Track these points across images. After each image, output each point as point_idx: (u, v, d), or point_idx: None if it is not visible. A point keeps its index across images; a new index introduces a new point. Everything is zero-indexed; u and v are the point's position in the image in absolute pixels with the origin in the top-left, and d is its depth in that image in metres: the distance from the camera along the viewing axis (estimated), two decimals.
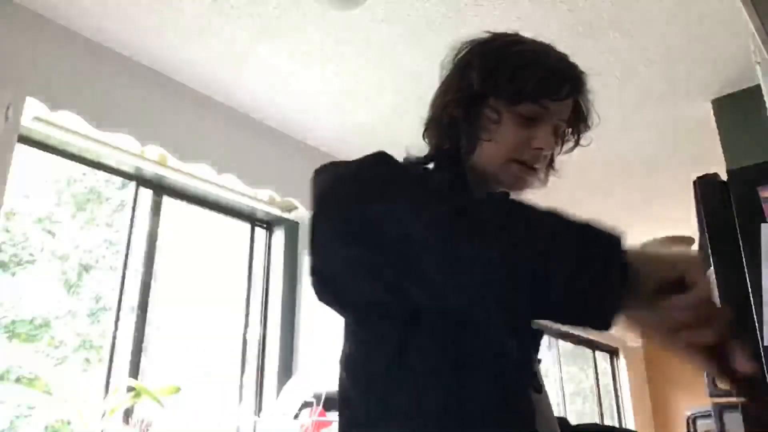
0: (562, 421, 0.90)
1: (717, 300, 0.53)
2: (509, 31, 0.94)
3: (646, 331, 0.58)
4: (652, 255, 0.58)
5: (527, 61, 0.87)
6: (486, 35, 0.93)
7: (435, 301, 0.66)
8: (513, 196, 0.94)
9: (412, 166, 0.87)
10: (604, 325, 0.54)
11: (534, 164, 0.87)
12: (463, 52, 0.94)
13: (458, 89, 0.90)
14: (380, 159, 0.71)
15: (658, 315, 0.56)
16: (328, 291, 0.74)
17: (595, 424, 1.04)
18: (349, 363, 0.80)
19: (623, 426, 5.69)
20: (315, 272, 0.72)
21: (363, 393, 0.76)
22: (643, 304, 0.56)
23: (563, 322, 0.57)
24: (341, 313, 0.81)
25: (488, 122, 0.87)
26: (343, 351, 0.81)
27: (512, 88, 0.85)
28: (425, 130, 0.96)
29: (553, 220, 0.59)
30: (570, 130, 0.94)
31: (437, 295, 0.63)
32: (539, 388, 0.82)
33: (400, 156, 0.91)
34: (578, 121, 0.94)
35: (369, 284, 0.68)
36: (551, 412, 0.86)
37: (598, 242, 0.58)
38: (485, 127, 0.87)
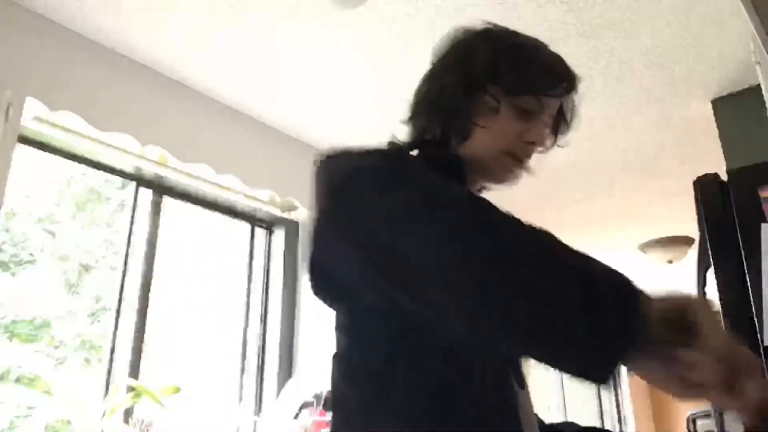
0: (537, 419, 0.91)
1: (743, 354, 0.49)
2: (503, 25, 0.94)
3: (657, 386, 0.53)
4: (661, 301, 0.52)
5: (529, 55, 0.88)
6: (484, 25, 0.94)
7: (434, 319, 0.63)
8: (496, 187, 0.94)
9: (407, 157, 0.84)
10: (602, 377, 0.51)
11: (524, 157, 0.88)
12: (462, 39, 0.94)
13: (459, 73, 0.89)
14: (396, 156, 0.69)
15: (665, 370, 0.51)
16: (324, 287, 0.73)
17: (572, 423, 1.03)
18: (343, 361, 0.80)
19: (623, 427, 5.69)
20: (314, 266, 0.70)
21: (356, 391, 0.76)
22: (649, 355, 0.51)
23: (558, 367, 0.55)
24: (336, 310, 0.81)
25: (486, 110, 0.86)
26: (338, 347, 0.81)
27: (515, 79, 0.85)
28: (411, 115, 0.95)
29: (571, 258, 0.56)
30: (552, 129, 0.93)
31: (438, 314, 0.61)
32: (523, 384, 0.83)
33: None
34: (561, 121, 0.94)
35: (367, 290, 0.66)
36: (532, 408, 0.86)
37: (615, 289, 0.53)
38: (483, 114, 0.86)
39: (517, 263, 0.55)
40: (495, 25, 0.94)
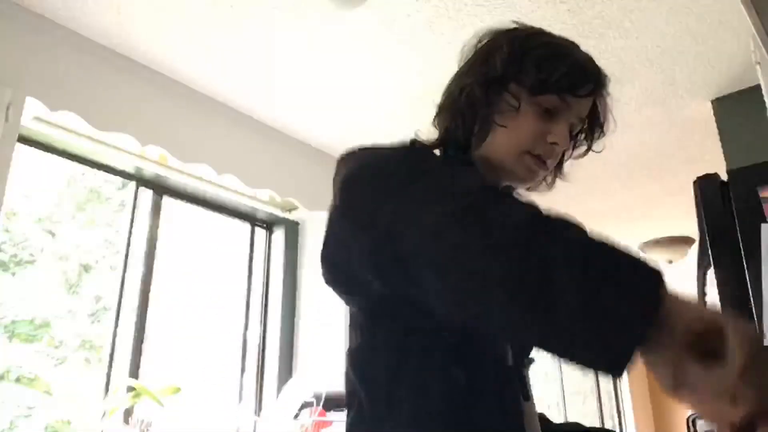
0: (542, 418, 0.90)
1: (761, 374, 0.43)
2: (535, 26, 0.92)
3: (664, 387, 0.48)
4: (690, 303, 0.47)
5: (554, 53, 0.85)
6: (512, 24, 0.92)
7: (440, 311, 0.60)
8: (519, 189, 0.94)
9: (426, 154, 0.80)
10: (616, 367, 0.46)
11: (547, 159, 0.85)
12: (488, 39, 0.92)
13: (480, 72, 0.88)
14: (408, 152, 0.68)
15: (679, 378, 0.46)
16: (336, 279, 0.73)
17: (576, 423, 1.01)
18: (357, 358, 0.79)
19: (623, 427, 5.69)
20: (325, 258, 0.70)
21: (367, 391, 0.76)
22: (664, 356, 0.47)
23: (570, 358, 0.50)
24: (348, 303, 0.80)
25: (507, 108, 0.84)
26: (351, 344, 0.81)
27: (537, 77, 0.83)
28: (437, 115, 0.93)
29: (585, 239, 0.51)
30: (584, 133, 0.92)
31: (442, 305, 0.58)
32: (527, 395, 0.82)
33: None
34: (594, 124, 0.92)
35: (376, 282, 0.65)
36: (536, 419, 0.85)
37: (634, 271, 0.47)
38: (503, 112, 0.85)
39: (516, 244, 0.51)
40: (521, 24, 0.92)
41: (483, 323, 0.57)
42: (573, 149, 0.93)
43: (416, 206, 0.58)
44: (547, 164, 0.86)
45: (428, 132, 0.95)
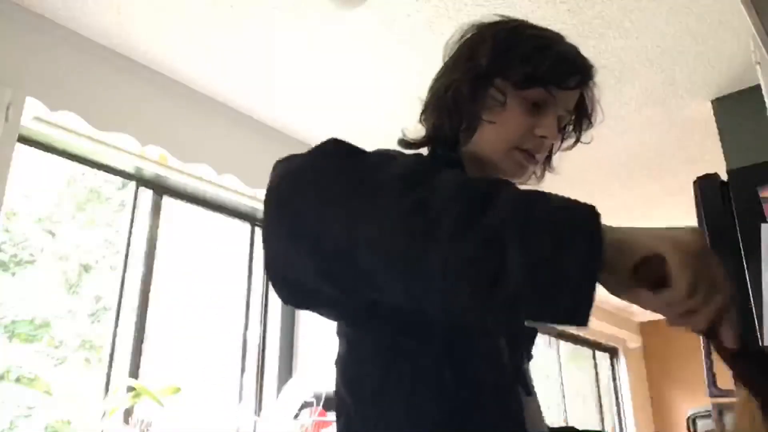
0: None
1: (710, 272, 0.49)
2: (519, 17, 0.92)
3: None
4: (629, 235, 0.51)
5: (540, 46, 0.84)
6: (497, 17, 0.91)
7: (388, 300, 0.60)
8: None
9: (383, 153, 0.73)
10: (581, 320, 0.48)
11: (536, 153, 0.85)
12: (472, 33, 0.91)
13: (466, 67, 0.86)
14: (333, 151, 0.64)
15: (638, 302, 0.51)
16: (286, 292, 0.66)
17: (571, 428, 0.99)
18: (343, 367, 0.77)
19: (623, 427, 5.69)
20: (271, 271, 0.64)
21: (355, 400, 0.74)
22: (615, 287, 0.51)
23: (533, 318, 0.51)
24: (322, 315, 0.76)
25: (493, 104, 0.83)
26: (338, 351, 0.79)
27: (523, 71, 0.82)
28: (423, 112, 0.92)
29: (516, 198, 0.52)
30: (572, 125, 0.91)
31: (387, 295, 0.58)
32: (529, 390, 0.81)
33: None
34: (581, 115, 0.92)
35: (325, 288, 0.61)
36: (540, 414, 0.84)
37: (572, 222, 0.50)
38: (490, 108, 0.84)
39: (456, 221, 0.50)
40: (506, 17, 0.91)
41: (437, 308, 0.56)
42: (562, 142, 0.92)
43: (348, 212, 0.56)
44: (536, 158, 0.86)
45: (416, 130, 0.93)
